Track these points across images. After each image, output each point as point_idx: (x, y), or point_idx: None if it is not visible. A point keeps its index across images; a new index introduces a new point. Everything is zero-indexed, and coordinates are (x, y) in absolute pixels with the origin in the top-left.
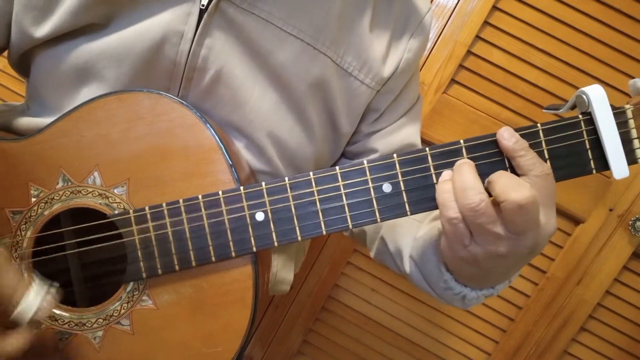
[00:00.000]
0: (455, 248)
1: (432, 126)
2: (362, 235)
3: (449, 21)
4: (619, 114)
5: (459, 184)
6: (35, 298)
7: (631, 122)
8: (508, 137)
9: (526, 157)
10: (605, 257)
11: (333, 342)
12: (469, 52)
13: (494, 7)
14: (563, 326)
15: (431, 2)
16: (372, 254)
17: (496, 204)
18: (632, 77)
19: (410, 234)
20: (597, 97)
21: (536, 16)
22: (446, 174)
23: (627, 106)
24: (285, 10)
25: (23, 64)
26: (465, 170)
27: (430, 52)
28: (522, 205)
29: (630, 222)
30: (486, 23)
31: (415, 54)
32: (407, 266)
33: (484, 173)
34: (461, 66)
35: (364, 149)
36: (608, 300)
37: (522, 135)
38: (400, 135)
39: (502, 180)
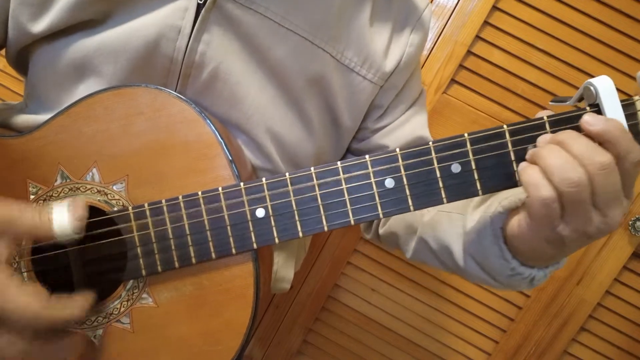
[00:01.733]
0: (542, 230)
1: (432, 126)
2: (393, 237)
3: (449, 21)
4: (627, 106)
5: (554, 161)
6: (61, 211)
7: None
8: (593, 122)
9: (622, 142)
10: (605, 257)
11: (333, 342)
12: (469, 52)
13: (494, 7)
14: (563, 326)
15: (431, 1)
16: (408, 255)
17: None
18: (632, 77)
19: (454, 228)
20: (606, 88)
21: (536, 16)
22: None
23: (636, 97)
24: (284, 5)
25: (21, 61)
26: (555, 147)
27: (430, 52)
28: (607, 164)
29: (630, 222)
30: (486, 23)
31: (417, 48)
32: (462, 262)
33: (489, 167)
34: (461, 66)
35: (373, 146)
36: (608, 300)
37: (527, 128)
38: (407, 128)
39: (579, 144)
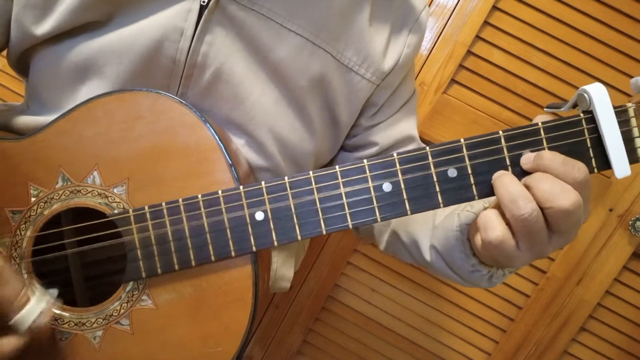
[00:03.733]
0: (498, 259)
1: (432, 126)
2: (369, 230)
3: (449, 21)
4: (620, 113)
5: (506, 196)
6: (36, 305)
7: (633, 121)
8: (526, 162)
9: (554, 167)
10: (605, 257)
11: (333, 342)
12: (469, 52)
13: (494, 7)
14: (563, 326)
15: (431, 2)
16: (381, 247)
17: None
18: (632, 77)
19: (425, 224)
20: (599, 96)
21: (536, 16)
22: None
23: (629, 104)
24: (286, 6)
25: (22, 63)
26: (508, 180)
27: (430, 52)
28: (570, 210)
29: (630, 222)
30: (486, 23)
31: (414, 49)
32: (428, 256)
33: (484, 172)
34: (461, 66)
35: (363, 142)
36: (608, 300)
37: (522, 134)
38: (399, 128)
39: (545, 185)
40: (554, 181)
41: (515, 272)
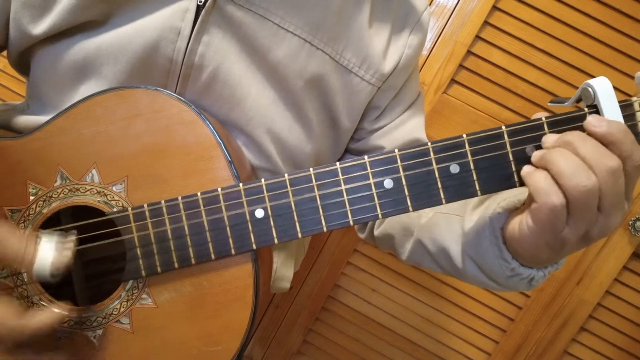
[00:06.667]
0: (544, 235)
1: (432, 126)
2: (388, 239)
3: (449, 21)
4: (625, 107)
5: (566, 166)
6: (47, 249)
7: (638, 115)
8: (597, 124)
9: (625, 144)
10: (605, 257)
11: (333, 342)
12: (469, 52)
13: (494, 7)
14: (563, 326)
15: (431, 2)
16: (403, 257)
17: None
18: (633, 77)
19: (452, 230)
20: (604, 90)
21: (536, 16)
22: (531, 163)
23: (634, 99)
24: (283, 6)
25: (22, 63)
26: (565, 151)
27: (430, 52)
28: (615, 170)
29: (630, 222)
30: (486, 23)
31: (415, 50)
32: (460, 263)
33: (487, 167)
34: (461, 66)
35: (369, 146)
36: (608, 300)
37: (525, 129)
38: (404, 130)
39: (588, 146)
40: (596, 142)
41: (555, 270)
